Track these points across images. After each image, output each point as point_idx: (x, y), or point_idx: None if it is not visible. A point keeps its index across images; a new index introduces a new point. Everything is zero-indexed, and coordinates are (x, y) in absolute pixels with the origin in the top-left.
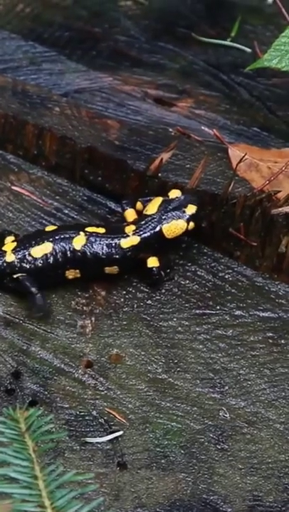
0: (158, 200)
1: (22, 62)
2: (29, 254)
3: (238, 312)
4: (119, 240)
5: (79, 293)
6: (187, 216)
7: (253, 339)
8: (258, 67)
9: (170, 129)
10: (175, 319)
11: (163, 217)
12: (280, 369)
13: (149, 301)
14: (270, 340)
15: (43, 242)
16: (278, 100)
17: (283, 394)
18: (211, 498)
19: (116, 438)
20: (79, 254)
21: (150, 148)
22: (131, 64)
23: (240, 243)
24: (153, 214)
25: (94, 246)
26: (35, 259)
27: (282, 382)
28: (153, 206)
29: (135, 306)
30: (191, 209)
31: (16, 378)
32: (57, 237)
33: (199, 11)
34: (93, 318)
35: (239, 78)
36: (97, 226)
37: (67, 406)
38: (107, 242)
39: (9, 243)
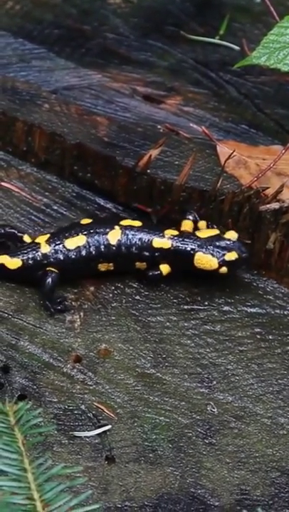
0: (213, 231)
1: (12, 60)
2: (63, 246)
3: (226, 308)
4: (153, 237)
5: (68, 288)
6: (223, 259)
7: (241, 334)
8: (246, 65)
9: (159, 126)
10: (163, 314)
11: (204, 246)
12: (268, 364)
13: (137, 297)
14: (258, 336)
15: (77, 235)
16: (266, 98)
17: (271, 389)
18: (199, 491)
19: (104, 432)
20: (113, 248)
21: (139, 145)
22: (120, 61)
23: None
24: (199, 237)
25: (128, 240)
26: (69, 250)
27: (269, 377)
28: (206, 232)
29: (124, 301)
30: (231, 256)
31: (5, 373)
32: (91, 231)
33: (188, 9)
34: (82, 313)
35: (227, 76)
36: (134, 219)
37: (55, 400)
38: (140, 236)
39: (42, 235)
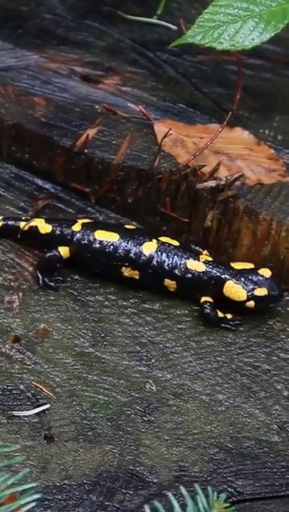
0: (248, 265)
1: None
2: (93, 234)
3: None
4: (188, 259)
5: (6, 269)
6: (252, 293)
7: (179, 313)
8: (183, 44)
9: (96, 106)
10: (102, 294)
11: (237, 277)
12: (206, 341)
13: (76, 276)
14: (196, 314)
15: (113, 232)
16: (204, 77)
17: (209, 366)
18: (138, 469)
19: (43, 411)
20: (144, 258)
21: (76, 125)
22: (57, 42)
23: (166, 218)
24: (234, 267)
25: (162, 255)
26: (95, 240)
27: (208, 355)
28: (241, 264)
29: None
30: (261, 291)
31: None
32: (128, 235)
33: None
34: (20, 294)
35: (165, 55)
36: (172, 238)
37: None
38: (175, 255)
39: (88, 219)
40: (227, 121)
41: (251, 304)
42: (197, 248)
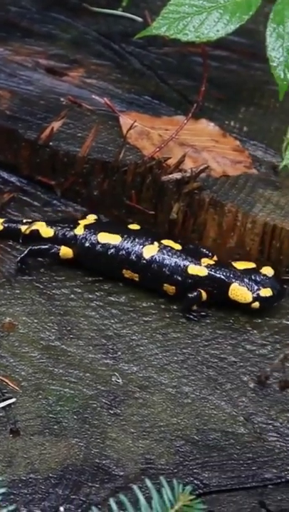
0: (250, 264)
1: None
2: (95, 236)
3: None
4: (189, 264)
5: None
6: (258, 294)
7: (145, 305)
8: (147, 36)
9: (61, 99)
10: (68, 287)
11: (240, 278)
12: (172, 334)
13: (42, 270)
14: (162, 306)
15: (115, 234)
16: (169, 69)
17: (175, 358)
18: (104, 462)
19: (9, 405)
20: (144, 261)
21: (41, 118)
22: (22, 34)
23: (132, 211)
24: (236, 268)
25: (162, 259)
26: (98, 243)
27: (174, 347)
28: (242, 264)
29: (28, 274)
30: (266, 292)
31: None
32: (129, 237)
33: None
34: None
35: (130, 47)
36: (175, 242)
37: None
38: (176, 260)
39: (88, 220)
40: (192, 113)
41: (256, 305)
42: (204, 251)
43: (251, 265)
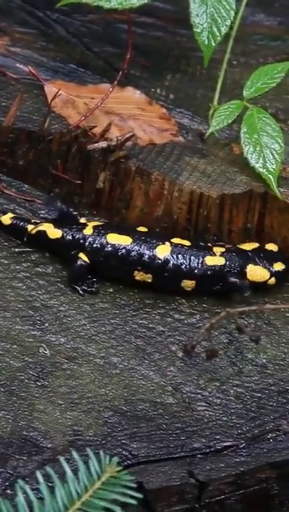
0: (255, 244)
1: None
2: (105, 237)
3: None
4: (205, 256)
5: None
6: (273, 271)
7: None
8: (71, 3)
9: None
10: None
11: (253, 259)
12: (100, 304)
13: None
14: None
15: (125, 235)
16: (94, 36)
17: (103, 329)
18: (31, 434)
19: None
20: (159, 261)
21: None
22: None
23: (58, 180)
24: (246, 249)
25: (178, 257)
26: (108, 244)
27: (102, 318)
28: (248, 245)
29: None
30: (279, 266)
31: None
32: (142, 238)
33: None
34: None
35: (55, 15)
36: (182, 238)
37: None
38: (191, 255)
39: (96, 221)
40: (118, 81)
41: (272, 281)
42: (209, 244)
43: (255, 245)
